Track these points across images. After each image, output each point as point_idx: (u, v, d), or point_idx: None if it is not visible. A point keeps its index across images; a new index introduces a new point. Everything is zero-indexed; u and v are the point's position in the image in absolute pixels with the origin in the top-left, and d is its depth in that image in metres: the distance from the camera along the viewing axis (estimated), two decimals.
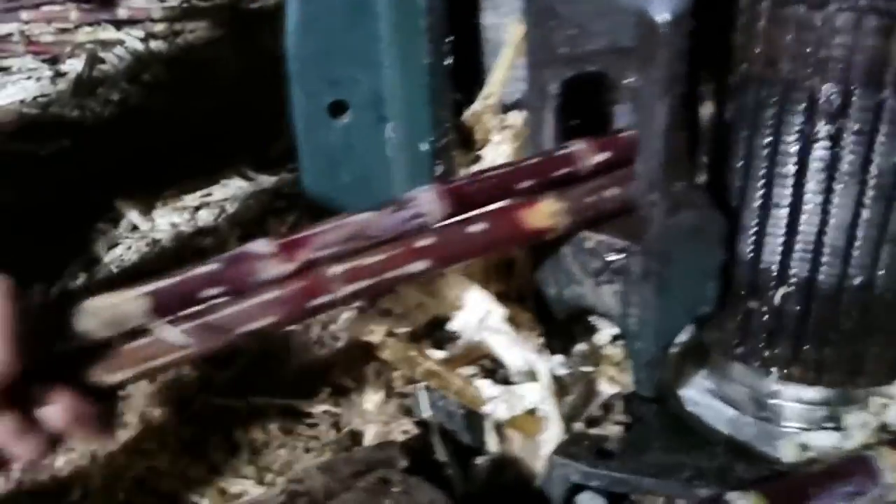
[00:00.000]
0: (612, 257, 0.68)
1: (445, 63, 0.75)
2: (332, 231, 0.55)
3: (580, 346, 0.80)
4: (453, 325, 0.75)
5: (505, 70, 0.75)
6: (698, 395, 0.75)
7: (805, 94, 0.61)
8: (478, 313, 0.73)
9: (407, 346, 0.76)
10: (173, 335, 0.50)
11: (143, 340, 0.51)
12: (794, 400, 0.70)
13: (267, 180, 1.34)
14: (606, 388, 0.76)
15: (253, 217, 1.27)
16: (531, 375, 0.74)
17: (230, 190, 1.32)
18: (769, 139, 0.63)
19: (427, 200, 0.58)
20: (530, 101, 0.68)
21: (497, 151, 0.75)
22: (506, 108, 0.77)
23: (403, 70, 0.78)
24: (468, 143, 0.79)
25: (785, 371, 0.69)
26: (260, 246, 0.54)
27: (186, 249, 1.22)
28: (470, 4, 0.78)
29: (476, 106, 0.79)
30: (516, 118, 0.76)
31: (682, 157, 0.62)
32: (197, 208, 1.30)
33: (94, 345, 0.50)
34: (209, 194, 1.31)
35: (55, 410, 0.48)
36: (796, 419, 0.70)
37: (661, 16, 0.57)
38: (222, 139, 1.43)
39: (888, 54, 0.57)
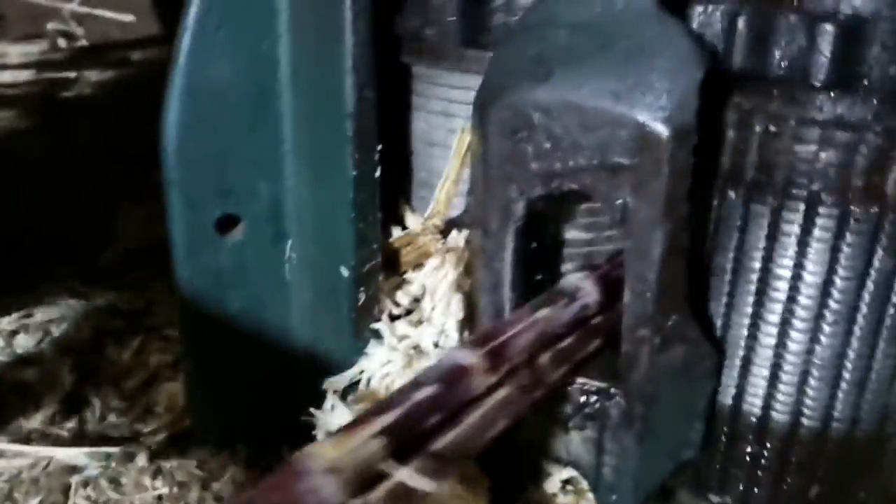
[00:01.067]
0: (587, 400, 0.59)
1: (375, 175, 0.63)
2: (525, 332, 0.52)
3: (527, 496, 0.69)
4: None
5: (452, 185, 0.65)
6: None
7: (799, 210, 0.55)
8: None
9: None
10: (421, 482, 0.41)
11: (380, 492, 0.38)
12: None
13: (101, 296, 1.14)
14: None
15: (85, 340, 1.07)
16: None
17: (56, 309, 1.11)
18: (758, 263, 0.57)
19: (589, 290, 0.57)
20: (486, 221, 0.58)
21: (435, 277, 0.64)
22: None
23: (321, 183, 0.66)
24: (391, 266, 0.67)
25: None
26: (466, 357, 0.47)
27: (2, 384, 1.00)
28: (396, 108, 0.68)
29: (413, 225, 0.68)
30: (457, 239, 0.66)
31: (678, 287, 0.54)
32: (13, 332, 1.08)
33: None
34: (29, 315, 1.09)
35: None
36: None
37: (664, 128, 0.50)
38: (40, 247, 1.22)
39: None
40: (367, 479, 0.40)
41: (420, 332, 0.65)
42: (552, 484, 0.70)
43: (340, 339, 0.69)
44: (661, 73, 0.51)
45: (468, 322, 0.63)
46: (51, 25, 1.83)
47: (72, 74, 1.68)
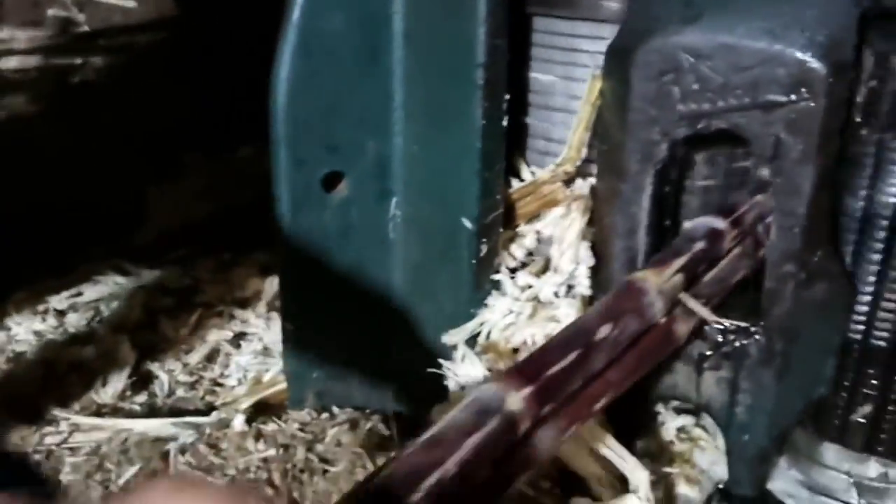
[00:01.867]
0: (724, 340, 0.60)
1: (503, 124, 0.63)
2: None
3: (644, 444, 0.70)
4: None
5: (583, 131, 0.66)
6: (790, 488, 0.68)
7: None
8: None
9: None
10: (702, 310, 0.53)
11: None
12: None
13: (147, 275, 1.12)
14: (686, 491, 0.67)
15: (138, 318, 1.05)
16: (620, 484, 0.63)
17: (104, 287, 1.09)
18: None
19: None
20: (624, 164, 0.59)
21: (562, 225, 0.65)
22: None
23: (440, 136, 0.66)
24: (506, 219, 0.68)
25: (892, 449, 0.63)
26: (719, 223, 0.57)
27: (59, 363, 0.98)
28: (518, 60, 0.68)
29: (543, 174, 0.68)
30: (583, 187, 0.67)
31: (824, 223, 0.56)
32: (62, 312, 1.05)
33: None
34: (78, 294, 1.07)
35: None
36: None
37: (823, 65, 0.51)
38: (72, 231, 1.19)
39: None
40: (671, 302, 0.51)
41: (542, 281, 0.66)
42: (668, 432, 0.71)
43: (457, 294, 0.69)
44: (818, 10, 0.52)
45: (598, 269, 0.64)
46: (51, 11, 1.79)
47: (77, 60, 1.65)
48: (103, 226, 1.19)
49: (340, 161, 0.71)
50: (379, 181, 0.72)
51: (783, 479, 0.69)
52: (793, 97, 0.53)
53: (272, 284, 1.08)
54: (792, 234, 0.56)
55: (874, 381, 0.62)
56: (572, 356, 0.42)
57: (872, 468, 0.65)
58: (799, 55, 0.52)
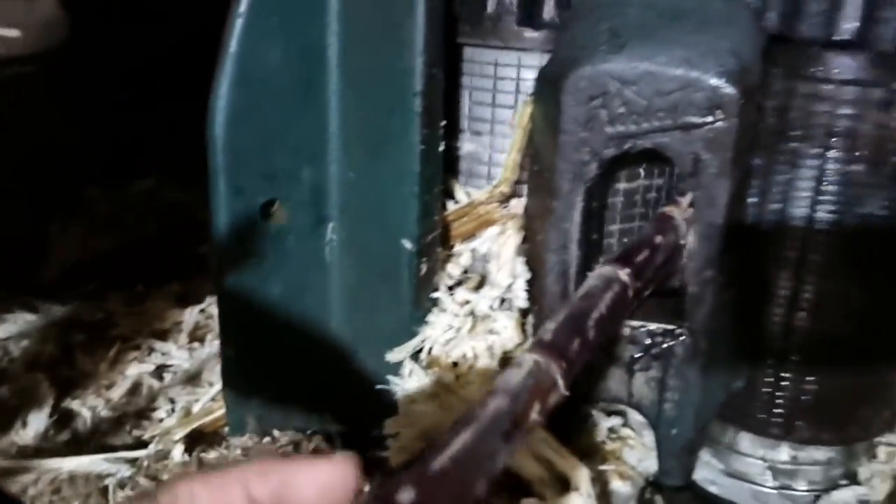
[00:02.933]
0: (652, 342, 0.66)
1: (439, 149, 0.67)
2: None
3: (579, 445, 0.74)
4: None
5: (517, 153, 0.70)
6: (712, 475, 0.74)
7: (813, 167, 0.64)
8: None
9: None
10: None
11: None
12: (811, 463, 0.72)
13: (59, 310, 1.10)
14: (620, 486, 0.72)
15: (53, 355, 1.03)
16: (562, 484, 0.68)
17: (13, 325, 1.06)
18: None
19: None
20: (557, 184, 0.64)
21: (499, 242, 0.69)
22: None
23: (378, 161, 0.69)
24: (443, 239, 0.71)
25: (799, 436, 0.70)
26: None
27: None
28: (451, 87, 0.72)
29: (480, 194, 0.72)
30: (517, 207, 0.71)
31: (739, 230, 0.62)
32: None
33: None
34: None
35: None
36: (815, 482, 0.72)
37: (734, 89, 0.58)
38: None
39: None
40: None
41: (480, 296, 0.69)
42: (600, 433, 0.76)
43: (398, 312, 0.72)
44: (729, 40, 0.59)
45: (532, 282, 0.68)
46: None
47: None
48: (5, 264, 1.15)
49: (278, 189, 0.72)
50: (315, 207, 0.74)
51: (706, 469, 0.75)
52: (709, 119, 0.59)
53: (191, 314, 1.07)
54: (711, 242, 0.62)
55: (783, 375, 0.69)
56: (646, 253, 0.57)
57: (784, 452, 0.72)
58: (713, 81, 0.58)
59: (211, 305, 1.08)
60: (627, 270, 0.54)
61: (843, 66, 0.61)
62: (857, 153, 0.62)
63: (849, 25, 0.59)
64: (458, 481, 0.35)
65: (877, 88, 0.61)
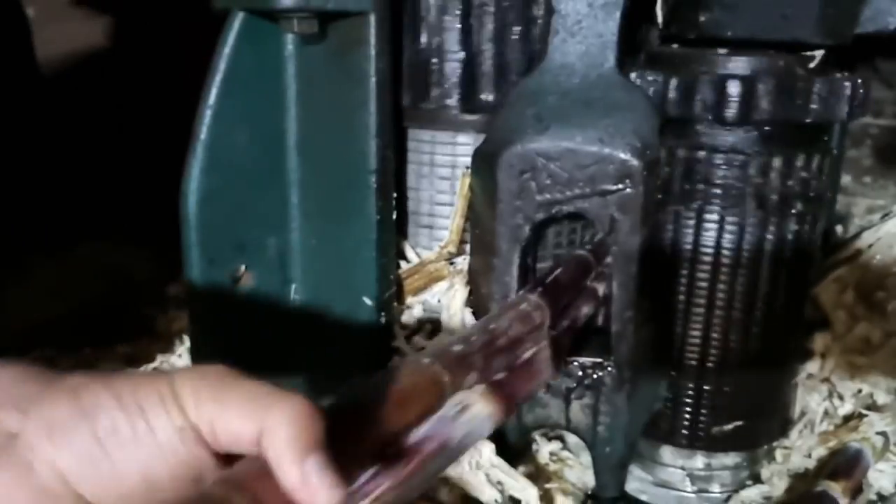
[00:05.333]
0: (584, 374, 0.77)
1: (393, 218, 0.78)
2: None
3: (524, 468, 0.85)
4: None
5: (460, 218, 0.80)
6: (641, 486, 0.85)
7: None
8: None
9: None
10: None
11: None
12: (722, 468, 0.84)
13: None
14: (564, 501, 0.83)
15: None
16: None
17: None
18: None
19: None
20: (497, 244, 0.75)
21: (448, 296, 0.79)
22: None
23: (338, 230, 0.79)
24: (398, 293, 0.81)
25: (710, 444, 0.83)
26: None
27: None
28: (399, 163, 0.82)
29: (429, 255, 0.82)
30: (463, 264, 0.81)
31: (652, 276, 0.74)
32: None
33: None
34: None
35: None
36: (726, 484, 0.84)
37: (639, 162, 0.70)
38: None
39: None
40: None
41: (433, 342, 0.79)
42: (543, 455, 0.86)
43: (360, 363, 0.81)
44: (632, 122, 0.71)
45: None
46: None
47: None
48: None
49: (246, 257, 0.81)
50: (281, 271, 0.83)
51: (636, 481, 0.86)
52: (620, 186, 0.71)
53: None
54: (629, 288, 0.73)
55: (691, 394, 0.81)
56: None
57: (699, 461, 0.84)
58: (622, 156, 0.70)
59: (163, 364, 1.14)
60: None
61: (729, 139, 0.75)
62: (746, 206, 0.76)
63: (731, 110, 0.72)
64: None
65: (756, 156, 0.75)
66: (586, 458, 0.83)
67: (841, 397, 0.89)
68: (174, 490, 0.38)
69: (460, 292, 0.79)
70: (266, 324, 0.83)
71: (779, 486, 0.84)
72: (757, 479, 0.85)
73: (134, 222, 1.28)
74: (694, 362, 0.80)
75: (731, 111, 0.73)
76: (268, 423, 0.36)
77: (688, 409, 0.82)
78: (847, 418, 0.88)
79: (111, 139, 1.35)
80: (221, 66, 0.75)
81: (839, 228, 1.12)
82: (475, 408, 0.48)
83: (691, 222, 0.78)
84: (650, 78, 0.75)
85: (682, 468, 0.84)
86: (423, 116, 0.81)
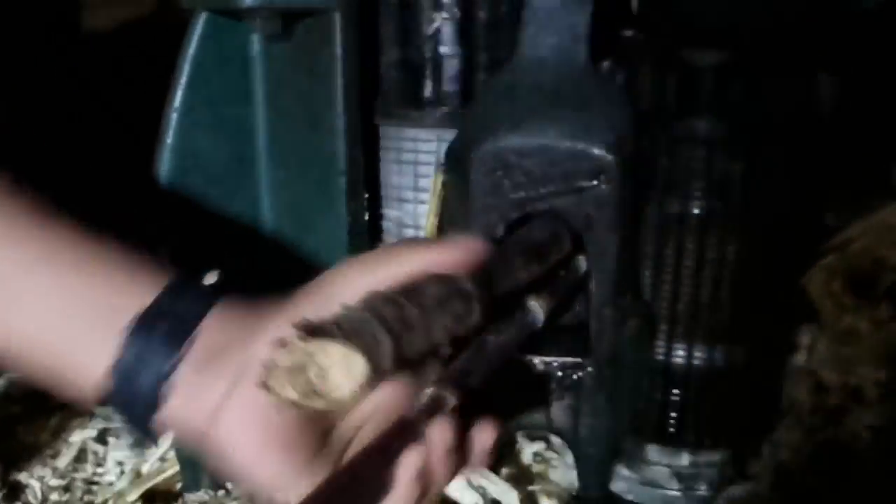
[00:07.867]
0: (564, 375, 0.75)
1: (364, 219, 0.76)
2: None
3: (508, 469, 0.84)
4: None
5: (434, 217, 0.79)
6: (628, 485, 0.84)
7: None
8: None
9: None
10: None
11: None
12: (708, 466, 0.83)
13: None
14: (548, 502, 0.82)
15: None
16: None
17: None
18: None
19: None
20: None
21: None
22: None
23: (309, 231, 0.78)
24: None
25: (696, 442, 0.81)
26: None
27: None
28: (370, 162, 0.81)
29: None
30: None
31: (628, 274, 0.73)
32: None
33: None
34: None
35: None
36: (714, 481, 0.83)
37: (613, 157, 0.68)
38: None
39: None
40: None
41: None
42: (526, 457, 0.85)
43: None
44: (606, 117, 0.69)
45: None
46: None
47: None
48: None
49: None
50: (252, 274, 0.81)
51: (622, 480, 0.85)
52: (595, 182, 0.69)
53: None
54: (606, 285, 0.72)
55: (675, 391, 0.80)
56: None
57: (685, 458, 0.83)
58: (597, 151, 0.68)
59: None
60: None
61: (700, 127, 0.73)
62: (714, 192, 0.74)
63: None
64: None
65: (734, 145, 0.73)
66: (571, 458, 0.81)
67: (828, 390, 0.88)
68: None
69: None
70: None
71: (764, 482, 0.83)
72: (744, 475, 0.84)
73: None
74: (680, 360, 0.79)
75: (704, 101, 0.72)
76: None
77: (672, 406, 0.80)
78: (834, 412, 0.87)
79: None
80: (186, 67, 0.73)
81: (829, 217, 1.10)
82: None
83: (674, 216, 0.76)
84: (624, 70, 0.73)
85: (669, 466, 0.83)
86: (391, 114, 0.79)
